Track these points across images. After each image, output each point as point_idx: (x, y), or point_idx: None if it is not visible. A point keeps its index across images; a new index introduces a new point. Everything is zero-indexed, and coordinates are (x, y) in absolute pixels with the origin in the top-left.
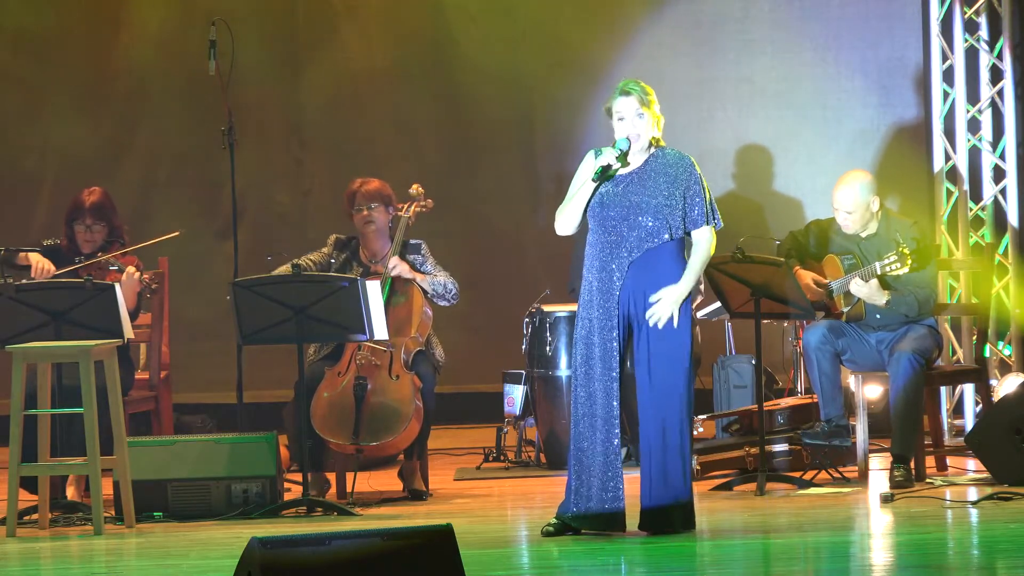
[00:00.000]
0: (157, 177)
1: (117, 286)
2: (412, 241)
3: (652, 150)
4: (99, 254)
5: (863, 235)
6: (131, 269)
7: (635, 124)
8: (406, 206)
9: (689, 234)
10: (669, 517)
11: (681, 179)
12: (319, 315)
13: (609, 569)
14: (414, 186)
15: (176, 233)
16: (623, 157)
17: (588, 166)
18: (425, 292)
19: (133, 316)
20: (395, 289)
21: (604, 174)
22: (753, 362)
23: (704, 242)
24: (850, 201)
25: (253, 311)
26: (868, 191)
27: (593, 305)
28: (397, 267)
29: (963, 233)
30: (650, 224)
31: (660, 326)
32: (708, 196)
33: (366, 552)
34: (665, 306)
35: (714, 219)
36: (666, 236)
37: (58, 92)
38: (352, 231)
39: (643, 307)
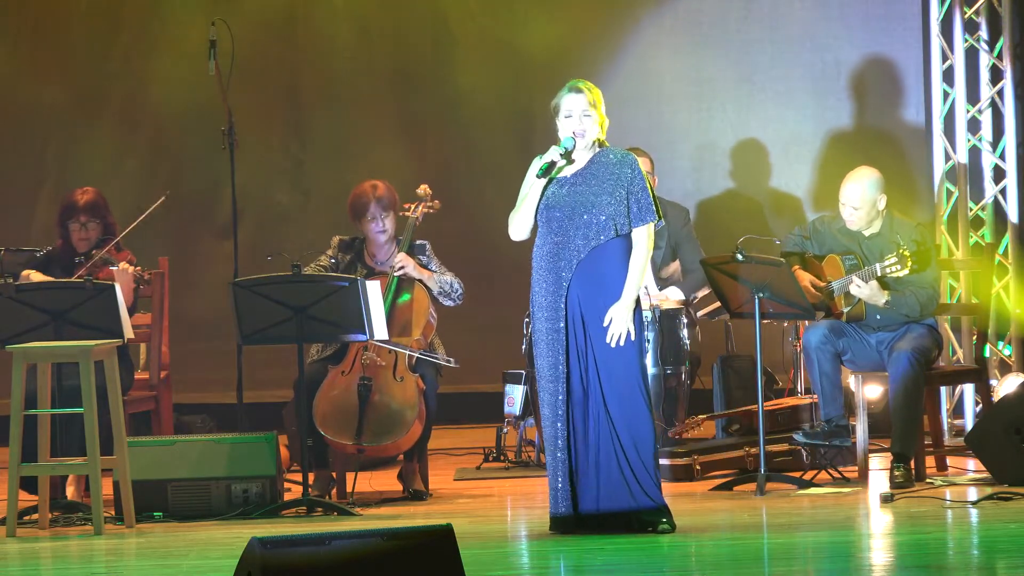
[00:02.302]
0: (157, 177)
1: (117, 286)
2: (417, 242)
3: (596, 149)
4: (93, 251)
5: (866, 233)
6: (124, 264)
7: (582, 122)
8: (413, 206)
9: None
10: (640, 521)
11: (624, 177)
12: (319, 315)
13: (608, 569)
14: (422, 187)
15: (163, 198)
16: (568, 155)
17: (535, 170)
18: (431, 292)
19: (131, 311)
20: (402, 288)
21: (549, 171)
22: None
23: (642, 242)
24: (857, 197)
25: (253, 311)
26: (876, 188)
27: (543, 307)
28: (406, 267)
29: (963, 233)
30: (595, 221)
31: (623, 344)
32: (652, 193)
33: (366, 552)
34: (619, 324)
35: (657, 216)
36: (612, 232)
37: (58, 92)
38: (354, 232)
39: (591, 307)
